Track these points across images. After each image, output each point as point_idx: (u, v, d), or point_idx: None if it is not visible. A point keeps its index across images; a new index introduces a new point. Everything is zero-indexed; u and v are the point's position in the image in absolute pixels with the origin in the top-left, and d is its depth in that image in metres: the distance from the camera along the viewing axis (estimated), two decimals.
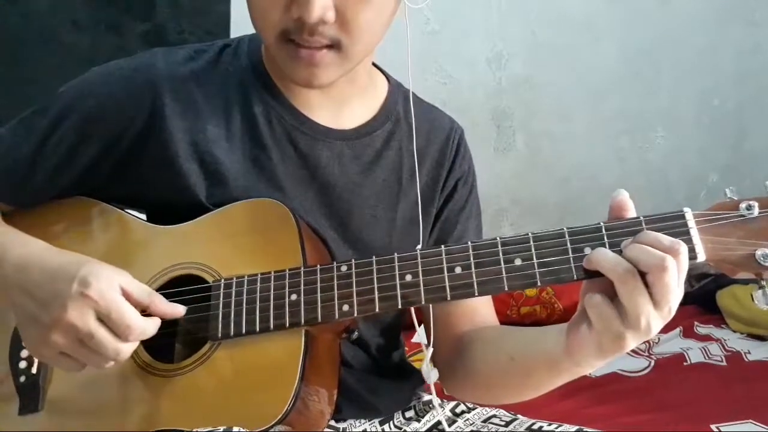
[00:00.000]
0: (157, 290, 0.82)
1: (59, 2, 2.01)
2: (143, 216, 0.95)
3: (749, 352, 2.03)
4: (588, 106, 2.66)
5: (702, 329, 2.23)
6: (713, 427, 1.61)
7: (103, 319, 0.75)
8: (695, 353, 2.04)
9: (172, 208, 0.90)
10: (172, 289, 0.84)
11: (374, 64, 1.01)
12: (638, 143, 2.76)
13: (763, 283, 0.72)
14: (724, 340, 2.13)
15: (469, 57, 2.51)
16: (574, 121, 2.66)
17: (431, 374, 0.91)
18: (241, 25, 2.07)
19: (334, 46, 0.82)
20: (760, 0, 2.77)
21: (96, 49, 2.03)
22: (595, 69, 2.63)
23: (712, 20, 2.73)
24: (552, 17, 2.54)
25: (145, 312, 0.79)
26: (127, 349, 0.77)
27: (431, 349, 0.94)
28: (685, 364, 2.00)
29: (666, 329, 2.15)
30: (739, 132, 2.85)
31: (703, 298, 2.38)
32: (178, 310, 0.81)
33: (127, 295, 0.77)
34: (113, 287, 0.76)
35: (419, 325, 0.96)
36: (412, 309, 0.97)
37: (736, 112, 2.83)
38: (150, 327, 0.78)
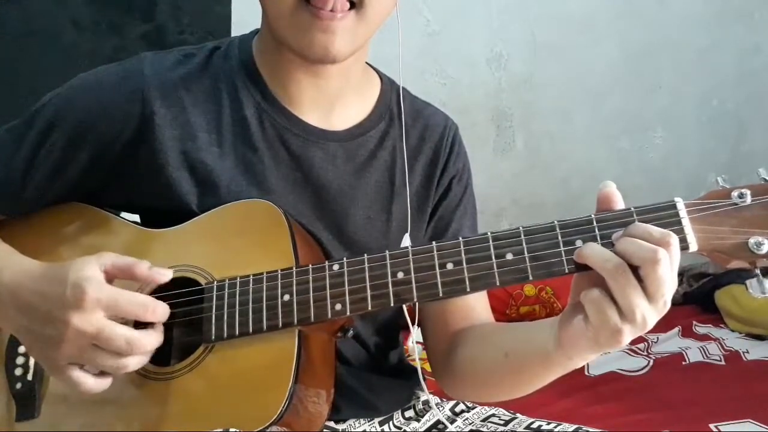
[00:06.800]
0: (150, 294, 0.82)
1: (59, 2, 2.01)
2: (137, 219, 0.95)
3: (748, 352, 2.04)
4: (588, 106, 2.67)
5: (700, 329, 2.24)
6: (712, 426, 1.61)
7: (111, 311, 0.74)
8: (694, 353, 2.05)
9: (165, 213, 0.90)
10: (165, 292, 0.83)
11: (367, 63, 1.01)
12: (638, 143, 2.76)
13: (757, 271, 0.71)
14: (723, 339, 2.13)
15: (469, 57, 2.51)
16: (574, 121, 2.67)
17: (416, 350, 0.90)
18: (241, 25, 2.09)
19: (355, 4, 0.83)
20: (760, 0, 2.78)
21: (96, 49, 2.03)
22: (595, 69, 2.64)
23: (712, 20, 2.73)
24: (552, 17, 2.55)
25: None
26: (138, 336, 0.74)
27: (416, 328, 0.94)
28: (683, 363, 2.00)
29: (665, 329, 2.16)
30: (738, 132, 2.86)
31: (701, 298, 2.38)
32: (164, 273, 0.78)
33: (111, 278, 0.76)
34: (104, 283, 0.74)
35: (413, 326, 0.96)
36: (405, 310, 0.97)
37: (735, 112, 2.84)
38: (159, 306, 0.76)
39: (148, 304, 0.75)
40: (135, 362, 0.76)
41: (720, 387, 1.82)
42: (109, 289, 0.74)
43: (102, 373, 0.77)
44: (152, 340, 0.76)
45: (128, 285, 0.78)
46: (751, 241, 0.70)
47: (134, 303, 0.75)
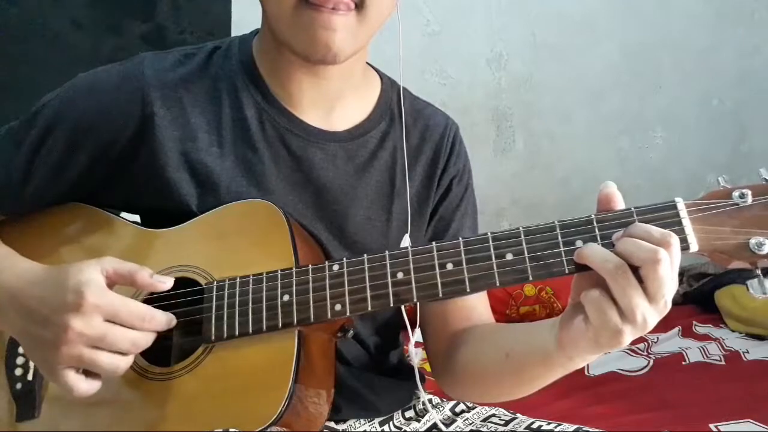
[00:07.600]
0: (149, 295, 0.83)
1: (59, 2, 2.02)
2: (137, 219, 0.95)
3: (748, 352, 2.04)
4: (588, 106, 2.67)
5: (700, 329, 2.24)
6: (712, 426, 1.61)
7: (111, 318, 0.74)
8: (694, 353, 2.04)
9: (165, 213, 0.90)
10: (165, 292, 0.83)
11: (368, 63, 1.01)
12: (638, 143, 2.76)
13: (758, 271, 0.70)
14: (723, 339, 2.13)
15: (469, 57, 2.51)
16: (574, 121, 2.67)
17: (417, 354, 0.90)
18: (241, 25, 2.09)
19: (357, 5, 0.83)
20: (760, 0, 2.78)
21: (96, 49, 2.03)
22: (595, 69, 2.64)
23: (712, 20, 2.74)
24: (552, 17, 2.55)
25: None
26: (140, 337, 0.76)
27: (417, 330, 0.94)
28: (683, 363, 2.00)
29: (665, 329, 2.16)
30: (738, 132, 2.86)
31: (701, 298, 2.38)
32: (166, 281, 0.80)
33: (112, 283, 0.76)
34: (105, 289, 0.75)
35: (410, 327, 0.96)
36: (405, 314, 0.97)
37: (735, 112, 2.84)
38: (157, 315, 0.77)
39: (146, 316, 0.76)
40: (129, 361, 0.76)
41: (720, 387, 1.82)
42: (110, 296, 0.75)
43: (92, 376, 0.77)
44: (149, 338, 0.77)
45: (127, 287, 0.79)
46: (752, 241, 0.69)
47: (134, 315, 0.75)
